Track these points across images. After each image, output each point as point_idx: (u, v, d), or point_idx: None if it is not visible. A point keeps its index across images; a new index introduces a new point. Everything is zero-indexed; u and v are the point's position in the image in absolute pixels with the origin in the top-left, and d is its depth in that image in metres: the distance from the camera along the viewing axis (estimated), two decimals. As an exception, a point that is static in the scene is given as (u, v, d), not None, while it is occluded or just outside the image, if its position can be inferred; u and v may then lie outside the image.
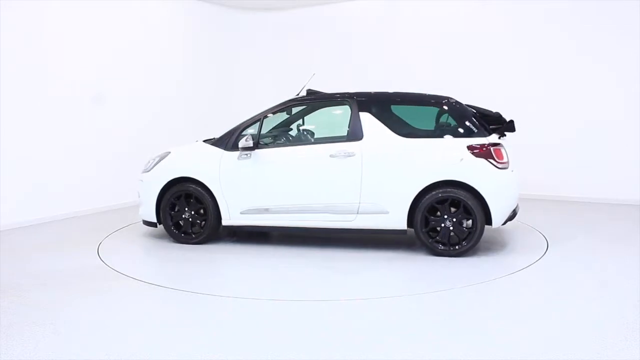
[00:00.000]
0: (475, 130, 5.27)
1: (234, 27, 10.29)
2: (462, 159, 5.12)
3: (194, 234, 5.84)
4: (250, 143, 5.51)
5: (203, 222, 5.81)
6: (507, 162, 5.19)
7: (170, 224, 5.86)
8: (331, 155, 5.36)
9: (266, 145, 5.71)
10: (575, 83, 7.99)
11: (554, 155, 8.16)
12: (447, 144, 5.26)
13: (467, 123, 5.34)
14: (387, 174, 5.27)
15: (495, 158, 5.11)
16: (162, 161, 6.01)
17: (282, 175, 5.55)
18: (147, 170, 6.10)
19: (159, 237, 6.31)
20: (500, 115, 5.55)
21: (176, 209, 5.86)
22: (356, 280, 4.57)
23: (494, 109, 8.60)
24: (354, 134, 5.39)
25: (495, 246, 5.56)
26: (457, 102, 5.53)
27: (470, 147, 5.13)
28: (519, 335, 3.40)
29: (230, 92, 10.10)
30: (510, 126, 5.43)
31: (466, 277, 4.58)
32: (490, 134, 5.28)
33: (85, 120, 7.60)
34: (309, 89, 5.99)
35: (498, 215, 5.15)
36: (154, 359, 3.15)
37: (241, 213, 5.65)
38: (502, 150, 5.21)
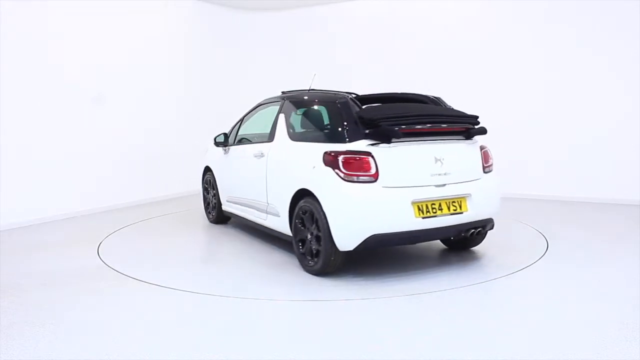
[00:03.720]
0: (340, 135, 4.53)
1: (238, 27, 10.30)
2: (314, 167, 4.54)
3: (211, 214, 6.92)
4: (213, 141, 6.49)
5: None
6: (373, 175, 4.28)
7: (205, 204, 7.08)
8: (254, 155, 5.59)
9: (239, 143, 6.26)
10: (575, 83, 7.98)
11: (554, 155, 8.16)
12: (314, 150, 4.65)
13: (337, 126, 4.64)
14: (277, 178, 5.18)
15: (343, 168, 4.30)
16: (206, 152, 7.10)
17: (234, 171, 6.20)
18: None
19: (159, 237, 6.32)
20: (475, 118, 4.93)
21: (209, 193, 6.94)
22: (355, 279, 4.57)
23: (494, 109, 8.65)
24: (271, 135, 5.48)
25: (495, 246, 5.55)
26: (344, 102, 4.74)
27: (324, 154, 4.48)
28: (519, 335, 3.40)
29: (237, 91, 10.08)
30: (385, 131, 4.36)
31: (466, 277, 4.58)
32: (361, 138, 4.41)
33: (86, 120, 7.61)
34: (283, 90, 6.07)
35: (340, 235, 4.33)
36: (154, 359, 3.15)
37: (227, 201, 6.44)
38: (369, 160, 4.29)
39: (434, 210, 4.43)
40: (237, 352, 3.21)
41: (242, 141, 6.27)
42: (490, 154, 5.05)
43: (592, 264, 4.93)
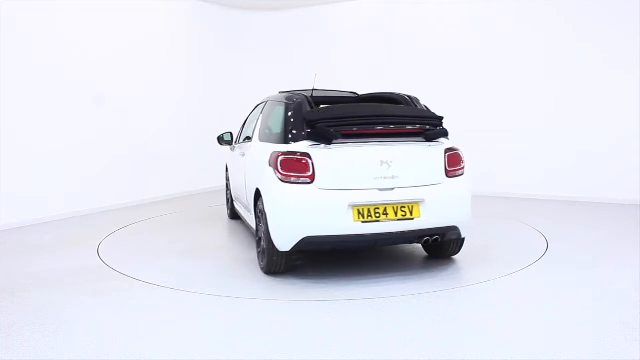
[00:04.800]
0: (286, 136, 4.54)
1: (238, 27, 10.30)
2: (263, 167, 4.61)
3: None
4: (219, 140, 6.58)
5: None
6: (310, 176, 4.23)
7: (226, 200, 7.36)
8: (240, 155, 5.80)
9: (243, 142, 6.31)
10: (575, 84, 7.97)
11: (554, 155, 8.16)
12: (267, 150, 4.66)
13: (286, 127, 4.64)
14: (249, 177, 5.28)
15: (280, 169, 4.29)
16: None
17: (234, 170, 6.33)
18: None
19: (159, 236, 6.33)
20: (438, 119, 4.68)
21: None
22: (355, 279, 4.57)
23: (495, 110, 8.64)
24: (252, 135, 5.61)
25: (495, 246, 5.56)
26: (297, 102, 4.74)
27: (270, 155, 4.50)
28: (519, 335, 3.40)
29: (237, 91, 10.10)
30: (322, 132, 4.30)
31: (466, 277, 4.58)
32: (304, 139, 4.38)
33: (86, 120, 7.61)
34: (281, 90, 6.10)
35: (276, 236, 4.34)
36: (154, 359, 3.15)
37: (234, 198, 6.51)
38: (306, 161, 4.25)
39: (377, 215, 4.25)
40: (237, 352, 3.21)
41: (245, 140, 6.35)
42: (460, 158, 4.65)
43: (592, 264, 4.93)
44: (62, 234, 6.48)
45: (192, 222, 7.08)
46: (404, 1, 9.22)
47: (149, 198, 8.58)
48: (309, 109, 4.64)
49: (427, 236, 4.45)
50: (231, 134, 6.69)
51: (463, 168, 4.67)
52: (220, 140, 6.66)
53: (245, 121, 6.59)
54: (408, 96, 5.23)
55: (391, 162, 4.32)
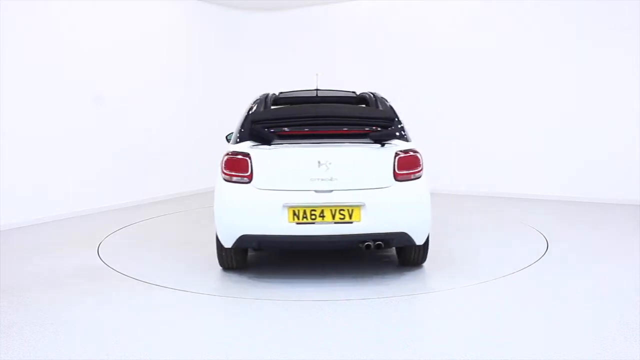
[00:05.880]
0: (236, 136, 4.65)
1: (238, 27, 10.30)
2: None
3: None
4: (228, 139, 5.87)
5: None
6: (248, 176, 4.29)
7: None
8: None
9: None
10: (575, 84, 7.99)
11: (554, 155, 8.17)
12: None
13: (238, 127, 4.73)
14: None
15: (224, 168, 4.40)
16: None
17: None
18: None
19: (159, 237, 6.32)
20: (389, 120, 4.46)
21: None
22: (356, 279, 4.57)
23: (495, 109, 8.64)
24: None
25: (495, 246, 5.56)
26: (257, 102, 4.91)
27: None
28: (519, 335, 3.40)
29: (237, 91, 10.08)
30: (257, 133, 4.37)
31: (465, 277, 4.58)
32: (247, 140, 4.47)
33: (86, 120, 7.60)
34: (281, 91, 6.04)
35: (219, 233, 4.44)
36: (154, 359, 3.15)
37: None
38: (245, 161, 4.31)
39: (313, 217, 4.18)
40: (237, 352, 3.21)
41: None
42: (416, 160, 4.38)
43: (592, 264, 4.93)
44: (62, 234, 6.48)
45: (192, 222, 7.08)
46: (404, 1, 9.22)
47: (149, 198, 8.57)
48: (262, 109, 4.69)
49: (369, 241, 4.23)
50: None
51: (419, 171, 4.40)
52: (230, 139, 6.51)
53: None
54: (373, 95, 5.08)
55: (330, 163, 4.23)
